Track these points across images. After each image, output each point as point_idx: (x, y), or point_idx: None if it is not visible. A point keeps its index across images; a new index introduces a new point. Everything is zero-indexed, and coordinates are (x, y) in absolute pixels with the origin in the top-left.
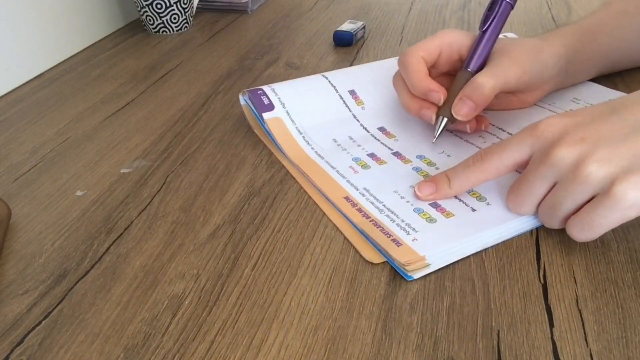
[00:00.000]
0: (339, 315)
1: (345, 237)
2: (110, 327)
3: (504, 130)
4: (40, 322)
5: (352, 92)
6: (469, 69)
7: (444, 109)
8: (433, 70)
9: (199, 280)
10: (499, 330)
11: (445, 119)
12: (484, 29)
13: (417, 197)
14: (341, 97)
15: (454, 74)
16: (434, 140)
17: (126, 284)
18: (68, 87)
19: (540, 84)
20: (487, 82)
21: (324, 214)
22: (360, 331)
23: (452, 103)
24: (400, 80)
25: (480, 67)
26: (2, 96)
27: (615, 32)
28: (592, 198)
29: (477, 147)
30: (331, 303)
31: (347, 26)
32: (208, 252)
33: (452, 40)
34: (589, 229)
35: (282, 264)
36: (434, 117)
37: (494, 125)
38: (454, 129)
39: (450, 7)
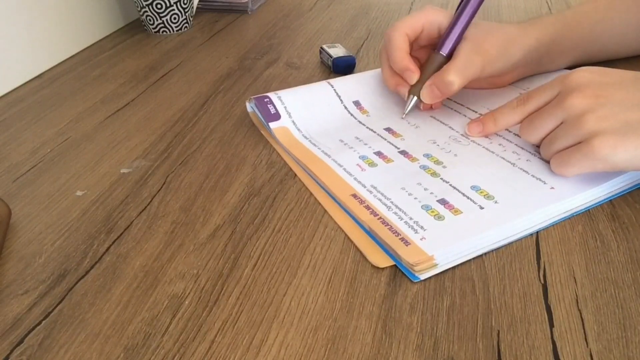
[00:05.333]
0: (339, 315)
1: (345, 237)
2: (110, 327)
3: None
4: (40, 322)
5: (356, 103)
6: (441, 52)
7: (415, 88)
8: (414, 43)
9: (199, 280)
10: (499, 330)
11: (415, 98)
12: (457, 12)
13: (468, 135)
14: (346, 108)
15: (430, 47)
16: (403, 116)
17: (126, 284)
18: (68, 87)
19: (508, 71)
20: (455, 81)
21: (328, 215)
22: (360, 331)
23: (423, 83)
24: (385, 54)
25: (452, 51)
26: (2, 96)
27: (597, 25)
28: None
29: (483, 147)
30: (331, 303)
31: (335, 51)
32: (208, 252)
33: (434, 19)
34: (564, 166)
35: (282, 264)
36: (407, 94)
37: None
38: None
39: (450, 8)
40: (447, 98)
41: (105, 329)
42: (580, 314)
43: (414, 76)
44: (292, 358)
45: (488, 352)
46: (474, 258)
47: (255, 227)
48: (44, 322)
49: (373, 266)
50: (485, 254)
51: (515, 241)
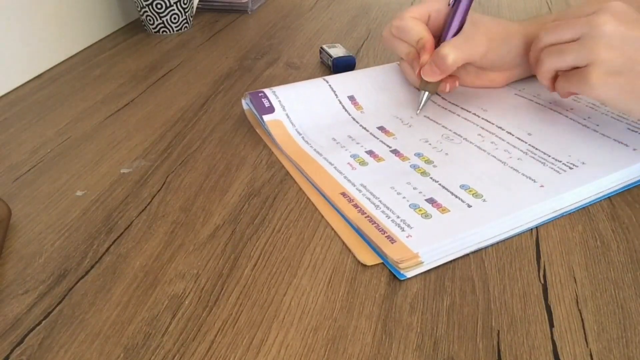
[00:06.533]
0: (339, 315)
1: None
2: (110, 327)
3: (499, 127)
4: (40, 322)
5: (351, 98)
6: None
7: (425, 84)
8: None
9: (199, 280)
10: (499, 330)
11: (427, 93)
12: (452, 4)
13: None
14: (341, 103)
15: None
16: (417, 112)
17: (126, 284)
18: (68, 87)
19: (510, 66)
20: (450, 54)
21: (322, 215)
22: (360, 331)
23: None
24: (399, 41)
25: None
26: (2, 96)
27: None
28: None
29: (476, 146)
30: (331, 303)
31: (335, 51)
32: (208, 252)
33: (440, 7)
34: (560, 87)
35: (282, 264)
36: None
37: (493, 124)
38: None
39: None
40: (443, 98)
41: (105, 329)
42: (580, 314)
43: (425, 56)
44: (292, 358)
45: (488, 352)
46: (473, 257)
47: (255, 227)
48: (44, 322)
49: (373, 266)
50: (485, 253)
51: (504, 240)
